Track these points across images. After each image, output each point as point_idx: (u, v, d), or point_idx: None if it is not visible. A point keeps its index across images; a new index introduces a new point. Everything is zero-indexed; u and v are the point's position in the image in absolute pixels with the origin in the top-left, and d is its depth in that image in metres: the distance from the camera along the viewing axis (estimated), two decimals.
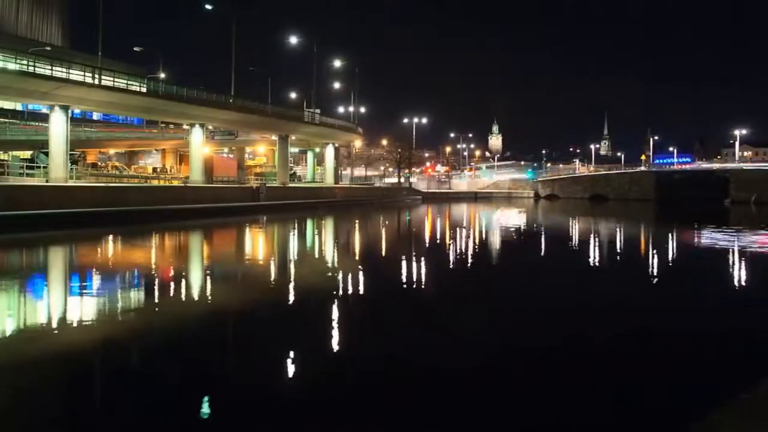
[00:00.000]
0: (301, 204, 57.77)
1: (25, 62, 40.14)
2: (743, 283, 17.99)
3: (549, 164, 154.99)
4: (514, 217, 55.38)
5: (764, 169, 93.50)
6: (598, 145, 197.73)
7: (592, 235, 36.52)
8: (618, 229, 41.72)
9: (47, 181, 41.72)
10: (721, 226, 42.31)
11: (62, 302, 14.69)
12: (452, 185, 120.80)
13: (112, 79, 45.43)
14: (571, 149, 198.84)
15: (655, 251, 27.50)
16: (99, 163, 72.37)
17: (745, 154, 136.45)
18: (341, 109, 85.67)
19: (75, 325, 12.10)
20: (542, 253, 27.03)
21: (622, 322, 12.37)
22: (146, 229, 34.30)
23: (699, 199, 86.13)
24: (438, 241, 31.68)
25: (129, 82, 48.02)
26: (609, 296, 15.59)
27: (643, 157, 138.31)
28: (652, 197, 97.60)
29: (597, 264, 22.86)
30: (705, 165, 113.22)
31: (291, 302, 14.46)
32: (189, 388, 8.20)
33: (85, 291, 16.05)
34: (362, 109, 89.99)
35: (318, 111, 73.38)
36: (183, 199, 44.96)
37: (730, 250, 27.49)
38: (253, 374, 8.87)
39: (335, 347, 10.27)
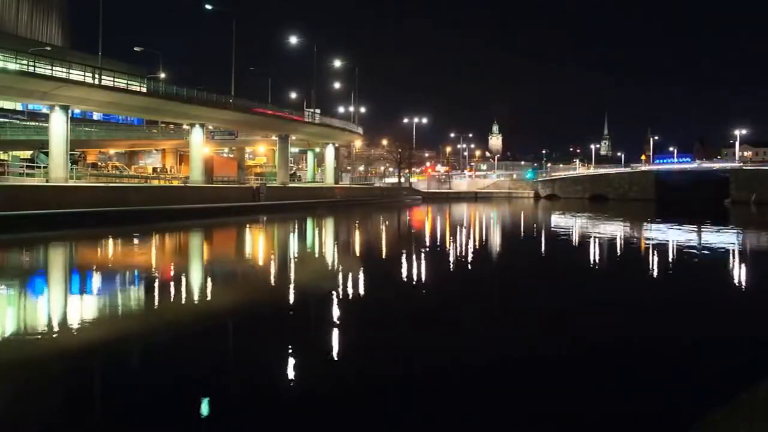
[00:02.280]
0: (301, 204, 57.78)
1: (25, 62, 40.16)
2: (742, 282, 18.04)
3: (549, 164, 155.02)
4: (514, 217, 55.35)
5: (764, 169, 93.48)
6: (598, 145, 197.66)
7: (592, 235, 36.51)
8: (617, 229, 41.69)
9: (47, 181, 41.72)
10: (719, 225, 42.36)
11: (62, 302, 14.68)
12: (452, 185, 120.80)
13: (112, 79, 45.44)
14: (571, 149, 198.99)
15: (655, 251, 27.51)
16: (99, 163, 72.39)
17: (745, 154, 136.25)
18: (341, 109, 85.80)
19: (75, 325, 12.09)
20: (539, 253, 27.01)
21: (619, 320, 12.38)
22: (147, 228, 34.28)
23: (699, 199, 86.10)
24: (439, 242, 31.68)
25: (129, 82, 48.04)
26: (605, 295, 15.61)
27: (643, 157, 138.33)
28: (652, 197, 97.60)
29: (595, 263, 22.86)
30: (705, 165, 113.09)
31: (290, 302, 14.46)
32: (188, 388, 8.21)
33: (86, 291, 16.06)
34: (362, 109, 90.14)
35: (318, 111, 73.38)
36: (183, 199, 44.95)
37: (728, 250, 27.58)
38: (253, 375, 8.88)
39: (335, 348, 10.28)
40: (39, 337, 10.88)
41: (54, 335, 11.02)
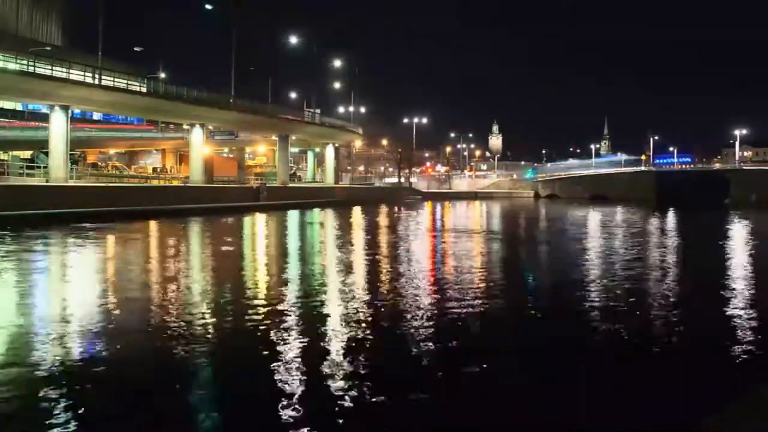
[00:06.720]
0: (301, 204, 57.77)
1: (25, 62, 40.18)
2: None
3: (549, 164, 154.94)
4: (513, 215, 55.46)
5: (764, 169, 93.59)
6: (598, 145, 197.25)
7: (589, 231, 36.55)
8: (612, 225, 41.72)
9: (47, 181, 41.74)
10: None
11: (64, 303, 14.66)
12: (453, 185, 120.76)
13: (112, 79, 45.46)
14: (571, 149, 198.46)
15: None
16: (99, 163, 72.40)
17: (745, 154, 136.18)
18: (341, 109, 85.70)
19: (74, 325, 12.08)
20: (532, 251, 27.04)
21: (616, 318, 12.38)
22: (146, 228, 34.28)
23: (699, 199, 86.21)
24: (438, 240, 31.73)
25: (129, 82, 48.07)
26: (599, 286, 15.62)
27: (643, 157, 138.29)
28: (652, 197, 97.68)
29: (589, 257, 22.85)
30: (705, 165, 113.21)
31: (291, 300, 14.45)
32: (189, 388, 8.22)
33: (88, 291, 16.04)
34: (362, 109, 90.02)
35: (318, 111, 73.42)
36: (183, 199, 45.00)
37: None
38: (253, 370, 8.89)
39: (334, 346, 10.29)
40: (39, 336, 10.87)
41: (52, 334, 11.01)
